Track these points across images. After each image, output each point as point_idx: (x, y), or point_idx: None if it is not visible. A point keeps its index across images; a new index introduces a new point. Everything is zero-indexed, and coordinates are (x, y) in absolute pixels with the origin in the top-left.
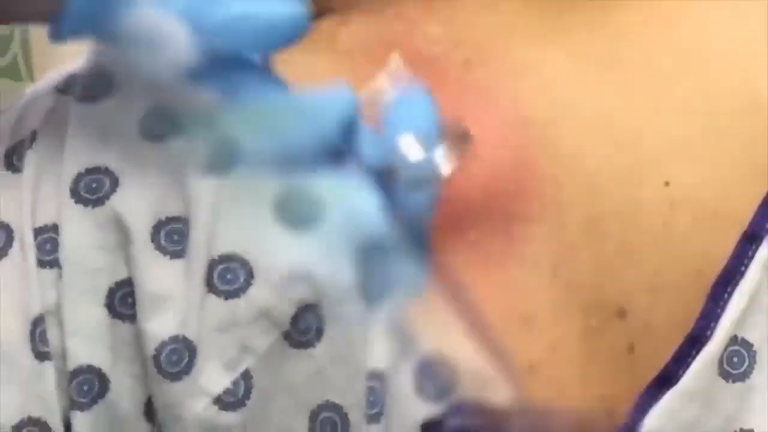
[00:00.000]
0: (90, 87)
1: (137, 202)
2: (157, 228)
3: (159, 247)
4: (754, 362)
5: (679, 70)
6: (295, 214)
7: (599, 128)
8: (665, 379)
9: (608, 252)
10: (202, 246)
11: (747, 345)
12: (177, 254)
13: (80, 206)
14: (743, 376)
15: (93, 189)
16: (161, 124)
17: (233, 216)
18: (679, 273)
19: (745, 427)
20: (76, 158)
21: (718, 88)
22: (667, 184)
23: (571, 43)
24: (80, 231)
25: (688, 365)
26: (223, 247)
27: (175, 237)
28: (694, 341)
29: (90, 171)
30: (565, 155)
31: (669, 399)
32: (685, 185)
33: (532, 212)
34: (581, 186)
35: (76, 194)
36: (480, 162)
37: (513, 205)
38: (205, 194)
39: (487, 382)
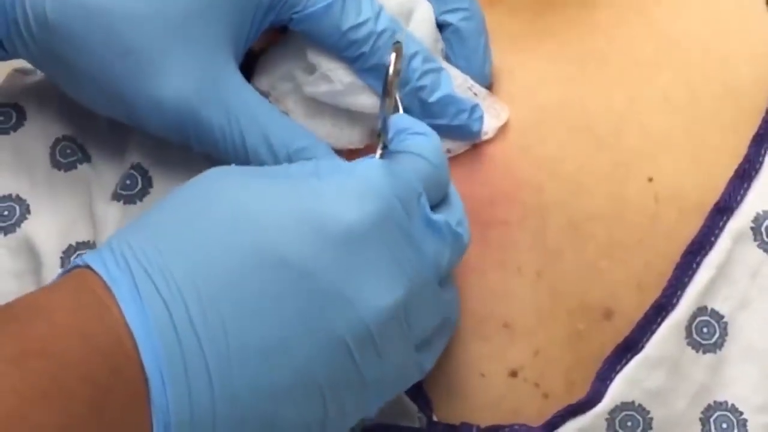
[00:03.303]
0: (0, 120)
1: (48, 228)
2: (68, 253)
3: None
4: (726, 333)
5: (659, 60)
6: None
7: (580, 128)
8: (629, 348)
9: (593, 254)
10: None
11: (717, 316)
12: None
13: None
14: (714, 347)
15: (4, 216)
16: (70, 152)
17: None
18: (667, 266)
19: (719, 399)
20: None
21: (697, 76)
22: (650, 179)
23: (551, 43)
24: None
25: (653, 332)
26: None
27: None
28: (660, 309)
29: (1, 199)
30: (546, 159)
31: (633, 366)
32: (669, 179)
33: (512, 218)
34: (563, 189)
35: None
36: (454, 170)
37: (491, 212)
38: (112, 219)
39: None
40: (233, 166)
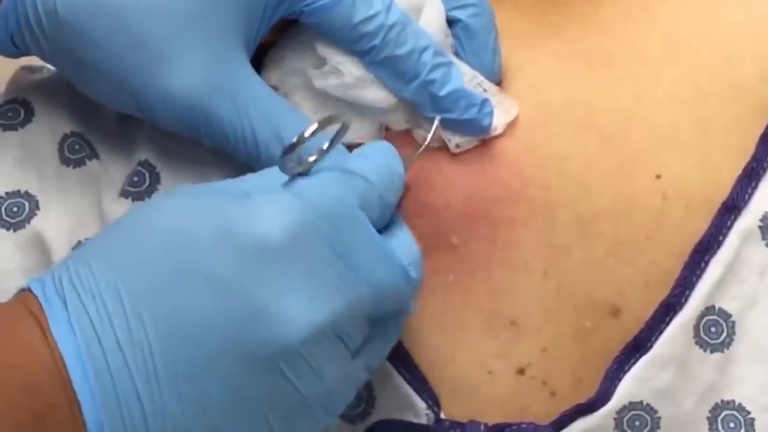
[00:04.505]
0: (7, 116)
1: (57, 225)
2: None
3: None
4: (734, 333)
5: (665, 57)
6: None
7: (587, 126)
8: (638, 347)
9: (600, 251)
10: None
11: (725, 315)
12: None
13: (2, 230)
14: (722, 347)
15: (14, 212)
16: (79, 148)
17: None
18: (675, 264)
19: (726, 398)
20: None
21: (703, 72)
22: (658, 176)
23: (557, 40)
24: (1, 254)
25: (661, 332)
26: None
27: None
28: (668, 308)
29: (10, 194)
30: (553, 157)
31: (641, 366)
32: (677, 176)
33: (519, 216)
34: (571, 186)
35: None
36: (462, 168)
37: (498, 210)
38: (120, 216)
39: None
40: (184, 186)
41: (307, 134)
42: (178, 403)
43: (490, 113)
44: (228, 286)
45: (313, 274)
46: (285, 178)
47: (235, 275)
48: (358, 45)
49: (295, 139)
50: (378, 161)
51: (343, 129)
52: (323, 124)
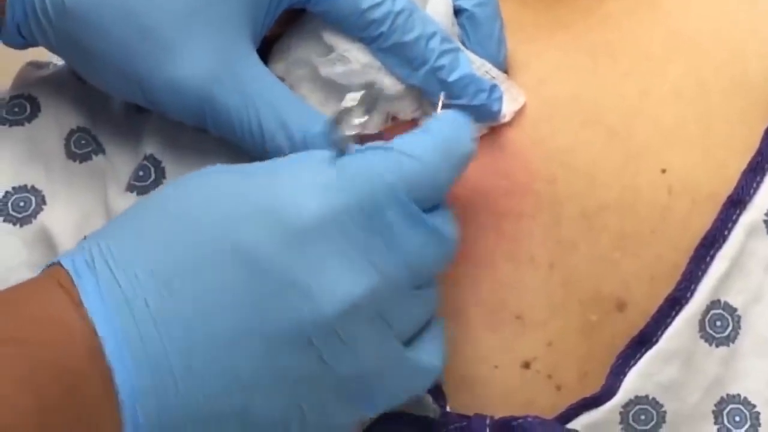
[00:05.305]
0: (13, 111)
1: (64, 219)
2: None
3: None
4: (739, 327)
5: (670, 52)
6: None
7: (593, 120)
8: (643, 341)
9: (605, 245)
10: None
11: (730, 309)
12: None
13: (8, 225)
14: (727, 341)
15: (20, 207)
16: (85, 143)
17: None
18: (680, 257)
19: (732, 392)
20: (3, 178)
21: (708, 67)
22: (664, 171)
23: (563, 34)
24: (6, 249)
25: (667, 326)
26: None
27: None
28: (674, 303)
29: (17, 189)
30: (559, 150)
31: (647, 360)
32: (682, 170)
33: (525, 209)
34: (576, 180)
35: (3, 212)
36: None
37: (503, 203)
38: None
39: None
40: (219, 165)
41: (350, 105)
42: (209, 377)
43: (500, 99)
44: (261, 260)
45: (349, 250)
46: (321, 157)
47: (269, 248)
48: (366, 32)
49: (341, 110)
50: (441, 135)
51: (380, 98)
52: (366, 95)
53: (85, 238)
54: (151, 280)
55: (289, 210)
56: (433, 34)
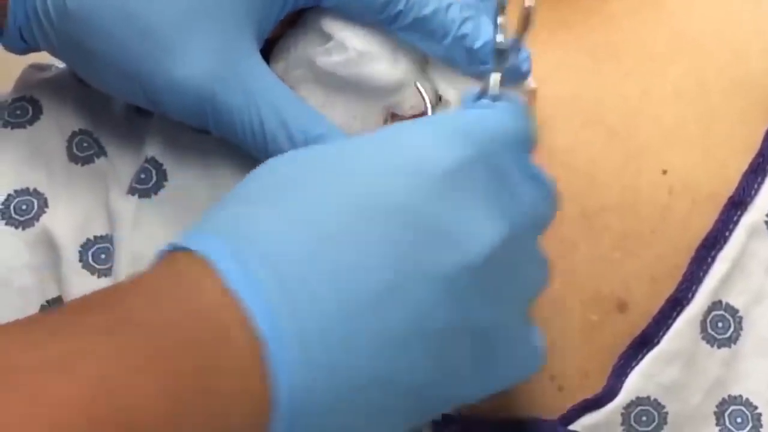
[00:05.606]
0: (15, 114)
1: (66, 222)
2: (86, 247)
3: (87, 266)
4: (741, 328)
5: (672, 53)
6: None
7: (594, 120)
8: (645, 342)
9: (606, 245)
10: (127, 265)
11: (732, 310)
12: (104, 273)
13: (10, 228)
14: (729, 342)
15: (23, 210)
16: (87, 146)
17: (159, 235)
18: (681, 258)
19: (733, 393)
20: (5, 181)
21: (709, 68)
22: (664, 171)
23: (566, 34)
24: (8, 251)
25: (668, 327)
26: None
27: (103, 256)
28: (676, 304)
29: (19, 192)
30: (559, 150)
31: (648, 361)
32: (682, 170)
33: None
34: (577, 180)
35: (6, 215)
36: None
37: None
38: (127, 213)
39: None
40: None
41: (502, 39)
42: (362, 342)
43: (528, 58)
44: (410, 211)
45: (484, 198)
46: (441, 116)
47: (416, 199)
48: (384, 13)
49: (508, 43)
50: (519, 102)
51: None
52: (521, 22)
53: (87, 240)
54: (295, 243)
55: (429, 161)
56: (450, 4)
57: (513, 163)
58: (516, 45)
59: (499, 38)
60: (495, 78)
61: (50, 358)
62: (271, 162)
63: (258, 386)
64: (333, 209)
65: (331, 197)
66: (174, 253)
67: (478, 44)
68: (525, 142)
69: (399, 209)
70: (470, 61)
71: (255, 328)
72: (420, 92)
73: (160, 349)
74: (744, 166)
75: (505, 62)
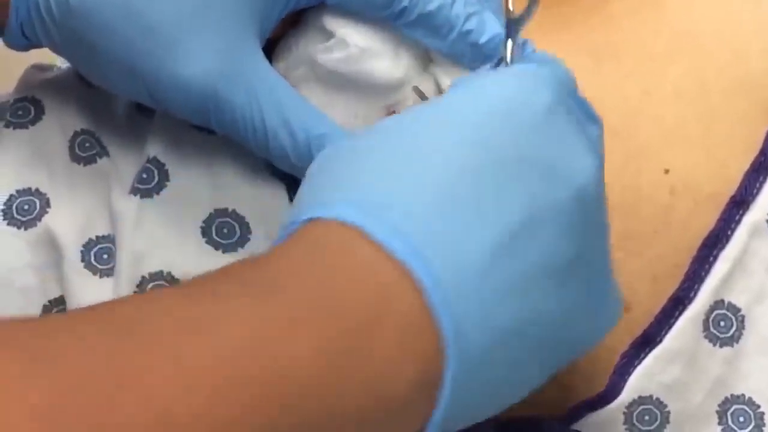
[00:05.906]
0: (17, 114)
1: (68, 222)
2: (88, 246)
3: (89, 266)
4: (743, 327)
5: (673, 53)
6: (222, 237)
7: None
8: (647, 341)
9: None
10: (129, 265)
11: (734, 309)
12: (106, 273)
13: (12, 228)
14: (731, 341)
15: (25, 210)
16: (89, 146)
17: (161, 235)
18: (681, 257)
19: (736, 392)
20: (7, 181)
21: (710, 68)
22: (666, 171)
23: (566, 34)
24: (10, 251)
25: (670, 326)
26: (152, 266)
27: (105, 256)
28: (678, 303)
29: (21, 192)
30: None
31: (650, 360)
32: (683, 170)
33: None
34: None
35: (8, 216)
36: None
37: None
38: (129, 213)
39: None
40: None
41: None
42: (505, 277)
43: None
44: (525, 150)
45: (575, 133)
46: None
47: (528, 139)
48: (389, 10)
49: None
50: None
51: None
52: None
53: (89, 240)
54: (429, 197)
55: (527, 104)
56: (454, 1)
57: (577, 104)
58: (528, 14)
59: (510, 6)
60: (509, 46)
61: (192, 320)
62: (358, 133)
63: (427, 335)
64: (454, 158)
65: (447, 147)
66: (304, 225)
67: (483, 39)
68: (575, 85)
69: (516, 149)
70: (475, 57)
71: (417, 280)
72: (419, 95)
73: (314, 310)
74: (745, 165)
75: (519, 31)
